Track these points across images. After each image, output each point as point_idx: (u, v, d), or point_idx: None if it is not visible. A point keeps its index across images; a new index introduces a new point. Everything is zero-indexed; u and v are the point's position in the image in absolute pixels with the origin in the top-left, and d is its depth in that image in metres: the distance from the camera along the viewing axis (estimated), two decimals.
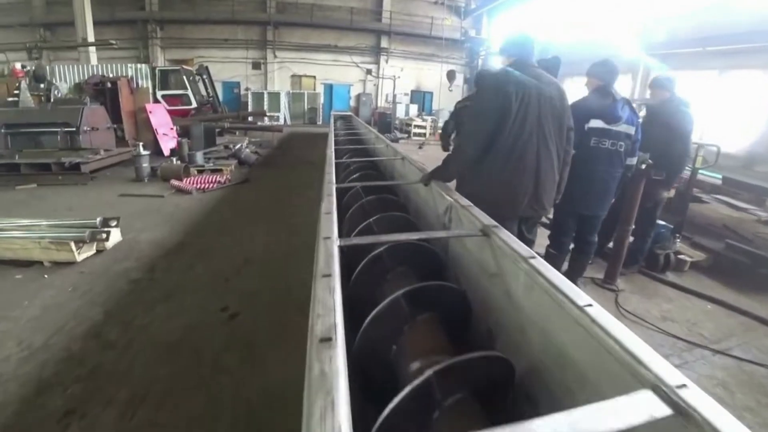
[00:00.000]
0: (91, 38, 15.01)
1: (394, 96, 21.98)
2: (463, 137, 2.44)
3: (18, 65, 8.35)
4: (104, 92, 8.95)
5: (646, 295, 3.78)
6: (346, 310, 1.08)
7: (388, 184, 2.99)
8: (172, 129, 9.62)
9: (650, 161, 3.36)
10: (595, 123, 3.02)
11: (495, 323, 1.62)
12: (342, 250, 1.52)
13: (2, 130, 6.97)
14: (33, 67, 8.54)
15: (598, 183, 3.16)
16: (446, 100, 23.17)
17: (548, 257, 3.37)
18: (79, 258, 3.53)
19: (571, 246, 3.54)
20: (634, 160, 3.27)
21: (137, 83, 9.47)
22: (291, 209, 5.22)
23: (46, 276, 3.36)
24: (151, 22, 20.02)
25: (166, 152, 8.93)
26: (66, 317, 2.79)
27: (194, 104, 14.80)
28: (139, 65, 9.80)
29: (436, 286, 1.55)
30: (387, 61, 21.72)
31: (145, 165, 6.56)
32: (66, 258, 3.50)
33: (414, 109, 18.89)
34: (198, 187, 6.04)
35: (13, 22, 20.35)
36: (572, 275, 3.54)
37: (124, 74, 9.46)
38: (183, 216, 4.84)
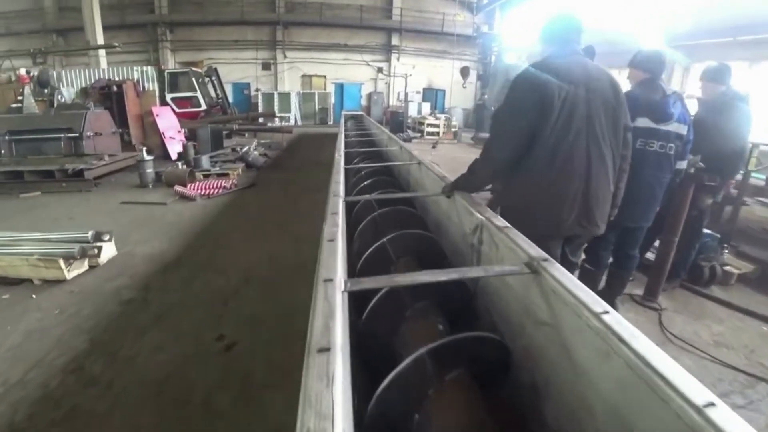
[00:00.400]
0: (100, 43, 14.97)
1: (406, 94, 21.67)
2: (492, 139, 2.01)
3: (22, 71, 8.22)
4: (110, 96, 8.78)
5: (692, 315, 3.37)
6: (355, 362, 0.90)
7: (405, 197, 2.61)
8: (179, 132, 9.41)
9: (701, 164, 2.95)
10: (642, 122, 2.63)
11: (544, 381, 1.27)
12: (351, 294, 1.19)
13: (6, 137, 6.81)
14: (37, 73, 8.41)
15: (644, 190, 2.76)
16: (459, 97, 22.76)
17: (584, 273, 2.99)
18: (70, 276, 3.27)
19: (609, 260, 3.16)
20: (683, 164, 2.87)
21: (143, 86, 9.29)
22: (298, 217, 4.91)
23: (33, 296, 3.11)
24: (161, 25, 19.97)
25: (174, 156, 8.72)
26: (48, 346, 2.52)
27: (203, 106, 14.66)
28: (145, 68, 9.61)
29: (469, 338, 1.21)
30: (398, 59, 21.34)
31: (149, 170, 6.33)
32: (55, 276, 3.24)
33: (426, 107, 18.48)
34: (202, 193, 5.78)
35: (26, 29, 20.55)
36: (610, 294, 3.16)
37: (129, 77, 9.28)
38: (184, 226, 4.57)
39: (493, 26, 22.03)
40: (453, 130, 13.65)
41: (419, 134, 13.41)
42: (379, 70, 21.44)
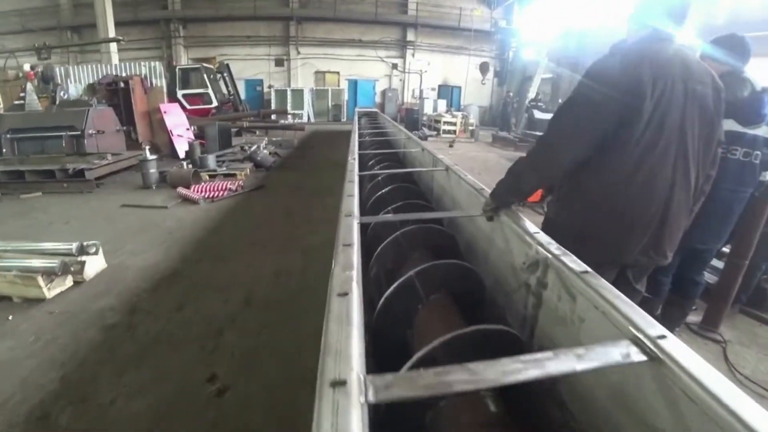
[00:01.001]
0: (113, 42, 14.81)
1: (421, 91, 21.15)
2: (555, 137, 1.53)
3: (27, 66, 7.99)
4: (117, 93, 8.50)
5: (762, 348, 2.87)
6: None
7: (434, 217, 2.16)
8: (188, 129, 9.11)
9: None
10: (725, 124, 2.14)
11: None
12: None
13: (8, 135, 6.55)
14: (41, 69, 8.17)
15: (720, 207, 2.29)
16: (475, 94, 22.16)
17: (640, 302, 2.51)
18: (51, 294, 2.92)
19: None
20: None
21: (151, 82, 8.99)
22: (308, 225, 4.50)
23: (10, 317, 2.76)
24: (174, 21, 19.82)
25: (182, 154, 8.42)
26: (14, 385, 2.15)
27: (215, 103, 14.39)
28: (153, 63, 9.31)
29: None
30: (413, 55, 20.83)
31: (153, 171, 6.00)
32: (35, 294, 2.89)
33: (442, 104, 17.94)
34: (206, 196, 5.42)
35: (41, 26, 20.63)
36: (669, 324, 2.68)
37: (137, 73, 8.99)
38: (184, 233, 4.20)
39: (511, 21, 21.37)
40: (470, 128, 13.12)
41: (435, 132, 12.92)
42: (394, 66, 20.97)
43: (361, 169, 3.53)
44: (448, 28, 20.61)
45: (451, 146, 11.15)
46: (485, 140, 13.03)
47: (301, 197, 5.58)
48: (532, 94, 17.86)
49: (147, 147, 5.89)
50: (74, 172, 5.94)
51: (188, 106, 14.40)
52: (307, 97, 19.50)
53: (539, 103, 14.44)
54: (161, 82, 9.08)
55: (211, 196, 5.42)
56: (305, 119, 19.45)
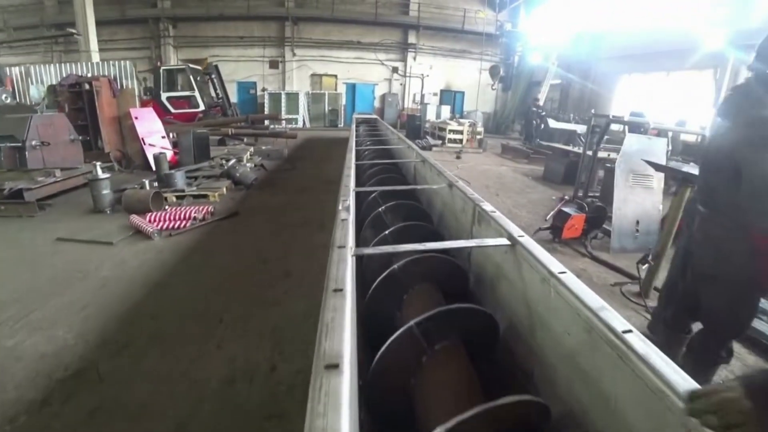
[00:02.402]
0: (93, 38, 13.78)
1: (422, 96, 20.16)
2: None
3: None
4: (81, 95, 7.44)
5: None
6: None
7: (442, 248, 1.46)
8: (164, 137, 8.05)
9: None
10: None
11: None
12: None
13: None
14: None
15: None
16: (479, 100, 21.18)
17: None
18: None
19: None
20: None
21: (121, 84, 7.94)
22: (286, 281, 3.33)
23: None
24: (163, 20, 18.80)
25: (154, 166, 7.37)
26: None
27: (202, 107, 13.39)
28: (123, 63, 8.26)
29: None
30: (415, 59, 19.85)
31: (106, 191, 4.94)
32: None
33: (446, 110, 16.92)
34: (164, 226, 4.34)
35: (24, 24, 19.65)
36: None
37: (105, 73, 7.93)
38: (118, 290, 3.10)
39: (517, 24, 20.46)
40: (478, 137, 12.09)
41: (440, 142, 11.88)
42: (394, 69, 19.97)
43: (358, 183, 2.95)
44: (452, 30, 19.66)
45: (458, 157, 10.11)
46: (493, 149, 12.00)
47: (282, 232, 4.46)
48: (542, 102, 16.93)
49: (98, 164, 4.81)
50: (11, 192, 4.87)
51: (173, 110, 13.39)
52: (303, 102, 18.49)
53: (540, 110, 13.46)
54: (133, 84, 8.01)
55: (170, 226, 4.34)
56: (300, 124, 18.41)
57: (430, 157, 3.57)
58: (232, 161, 5.97)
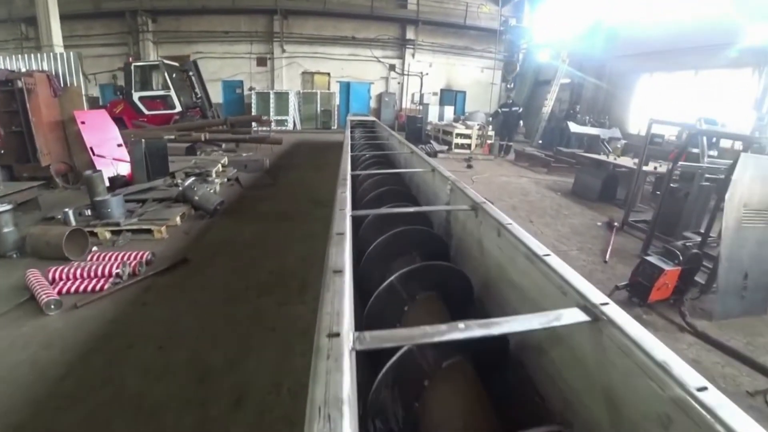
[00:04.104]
0: (57, 30, 12.31)
1: (422, 96, 18.84)
2: None
3: None
4: (14, 95, 6.03)
5: None
6: None
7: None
8: (120, 146, 6.65)
9: None
10: None
11: None
12: None
13: None
14: None
15: None
16: (481, 100, 19.89)
17: None
18: None
19: None
20: None
21: (64, 81, 6.52)
22: (254, 395, 2.04)
23: None
24: (141, 14, 17.28)
25: (107, 181, 5.99)
26: None
27: (179, 108, 11.96)
28: (68, 53, 6.84)
29: None
30: (413, 56, 18.53)
31: (8, 229, 3.56)
32: None
33: (449, 111, 15.58)
34: (71, 289, 2.96)
35: None
36: None
37: (42, 68, 6.51)
38: None
39: (521, 20, 19.20)
40: (488, 141, 10.74)
41: (446, 147, 10.51)
42: (392, 67, 18.62)
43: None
44: (453, 25, 18.38)
45: (469, 166, 8.77)
46: (502, 155, 10.67)
47: (242, 301, 2.97)
48: (550, 102, 15.67)
49: (56, 173, 3.47)
50: None
51: (147, 112, 11.98)
52: (293, 102, 17.09)
53: (574, 113, 12.15)
54: (79, 81, 6.62)
55: (79, 290, 2.96)
56: (290, 126, 17.02)
57: (444, 169, 2.33)
58: (190, 180, 4.57)
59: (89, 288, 2.96)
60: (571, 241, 4.53)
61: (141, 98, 11.95)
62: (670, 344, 2.86)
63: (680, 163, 4.18)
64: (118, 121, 11.92)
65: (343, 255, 1.17)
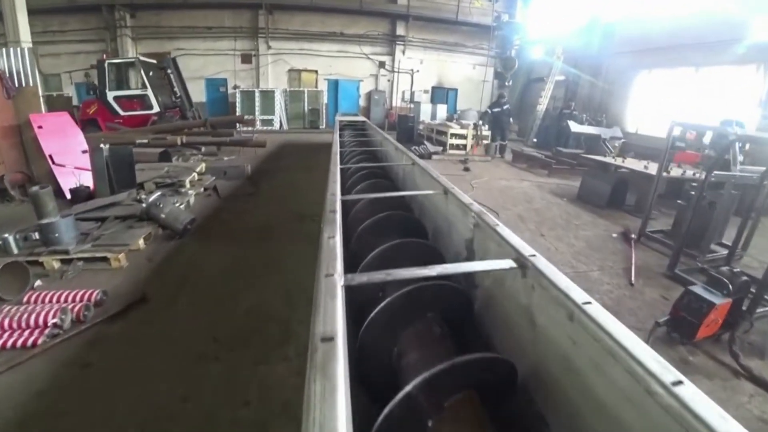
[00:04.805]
0: (24, 25, 11.50)
1: (412, 93, 18.31)
2: None
3: None
4: None
5: None
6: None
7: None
8: (85, 153, 6.01)
9: None
10: None
11: None
12: None
13: None
14: None
15: None
16: (473, 98, 19.45)
17: None
18: None
19: None
20: None
21: (18, 81, 5.86)
22: None
23: None
24: (119, 8, 16.43)
25: (68, 194, 5.38)
26: None
27: (156, 108, 11.26)
28: (19, 48, 6.18)
29: None
30: (404, 52, 17.97)
31: None
32: None
33: (442, 110, 15.05)
34: None
35: None
36: None
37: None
38: None
39: (514, 15, 18.75)
40: (484, 142, 10.24)
41: (440, 148, 9.98)
42: (381, 64, 18.04)
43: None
44: (444, 21, 17.84)
45: (466, 169, 8.27)
46: (497, 157, 10.18)
47: (215, 360, 2.37)
48: (545, 100, 15.26)
49: (11, 183, 2.99)
50: None
51: (122, 112, 11.26)
52: (279, 100, 16.42)
53: (572, 111, 11.68)
54: (35, 81, 5.96)
55: (6, 345, 2.37)
56: (276, 126, 16.37)
57: (460, 192, 1.82)
58: (155, 195, 3.96)
59: (18, 344, 2.38)
60: (589, 258, 4.05)
61: (116, 98, 11.23)
62: (728, 397, 2.34)
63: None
64: (92, 123, 11.26)
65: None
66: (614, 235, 4.85)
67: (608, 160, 6.54)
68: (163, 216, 3.88)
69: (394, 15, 17.37)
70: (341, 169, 3.16)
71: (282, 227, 4.53)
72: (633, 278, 3.67)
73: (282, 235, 4.30)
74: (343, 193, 2.31)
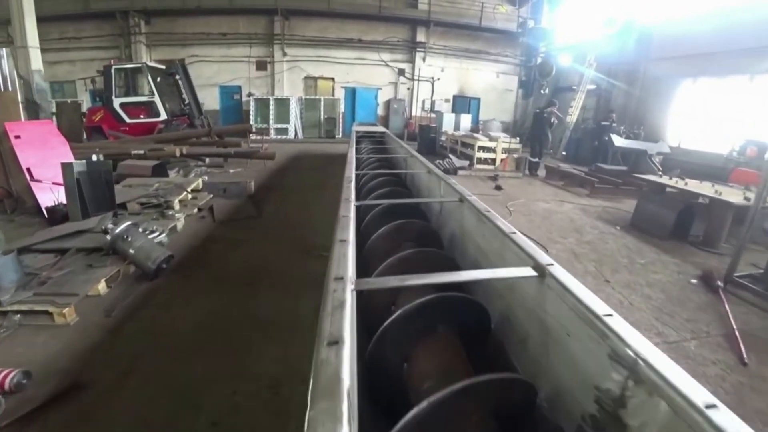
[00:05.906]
0: (33, 31, 11.12)
1: (433, 102, 17.52)
2: None
3: None
4: None
5: None
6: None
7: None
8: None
9: None
10: None
11: None
12: None
13: None
14: None
15: None
16: (497, 107, 18.52)
17: None
18: None
19: None
20: None
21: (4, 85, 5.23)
22: None
23: None
24: (133, 15, 16.14)
25: (45, 214, 4.72)
26: None
27: (163, 116, 10.69)
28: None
29: None
30: (424, 59, 17.19)
31: None
32: None
33: (466, 120, 14.17)
34: None
35: None
36: None
37: None
38: None
39: (540, 21, 17.83)
40: (515, 156, 9.27)
41: (466, 162, 9.07)
42: (401, 72, 17.28)
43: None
44: (467, 27, 17.03)
45: (498, 188, 7.33)
46: (530, 173, 9.22)
47: None
48: (575, 110, 14.27)
49: None
50: None
51: (128, 120, 10.72)
52: (295, 108, 15.81)
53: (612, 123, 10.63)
54: (15, 85, 5.33)
55: None
56: (291, 135, 15.74)
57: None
58: (125, 224, 3.16)
59: None
60: (674, 319, 3.10)
61: (122, 105, 10.69)
62: None
63: None
64: (97, 130, 10.74)
65: None
66: (693, 280, 3.88)
67: (671, 182, 5.55)
68: (132, 252, 3.10)
69: (415, 21, 16.66)
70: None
71: (283, 266, 3.68)
72: (744, 353, 2.72)
73: (282, 278, 3.45)
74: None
